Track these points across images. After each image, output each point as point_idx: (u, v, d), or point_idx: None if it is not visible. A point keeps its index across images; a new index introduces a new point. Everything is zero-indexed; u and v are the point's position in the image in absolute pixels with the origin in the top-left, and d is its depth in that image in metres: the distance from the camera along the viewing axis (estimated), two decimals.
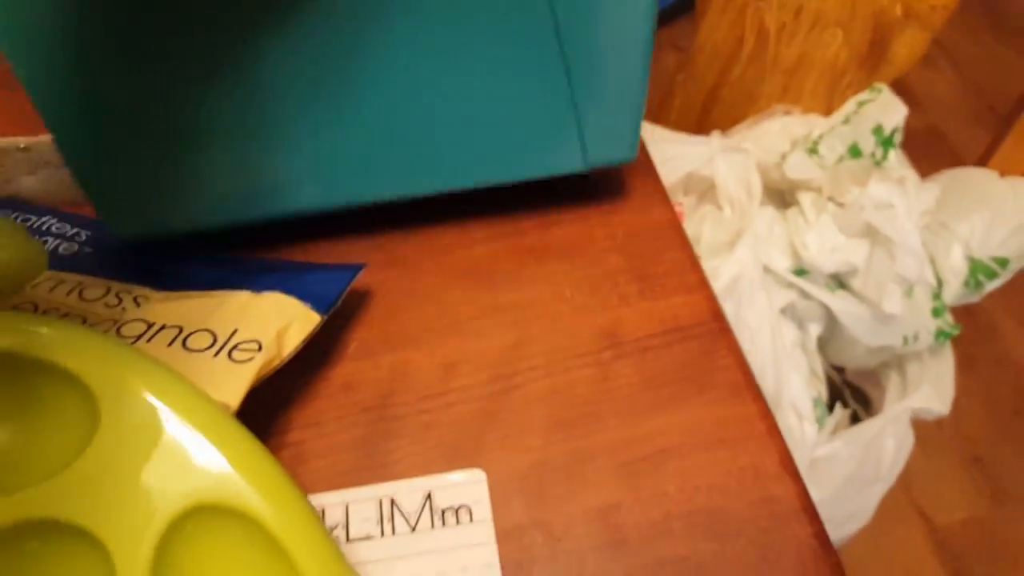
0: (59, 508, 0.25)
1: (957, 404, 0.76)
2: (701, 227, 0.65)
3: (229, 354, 0.32)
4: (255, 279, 0.36)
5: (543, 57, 0.36)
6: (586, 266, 0.43)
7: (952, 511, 1.19)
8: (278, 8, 0.33)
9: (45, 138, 0.42)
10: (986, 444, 1.27)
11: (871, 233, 0.65)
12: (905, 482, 1.19)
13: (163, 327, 0.33)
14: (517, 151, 0.41)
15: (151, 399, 0.26)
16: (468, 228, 0.44)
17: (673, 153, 0.66)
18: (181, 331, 0.32)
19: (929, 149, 1.64)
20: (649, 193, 0.47)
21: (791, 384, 0.59)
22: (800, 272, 0.64)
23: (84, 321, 0.33)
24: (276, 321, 0.34)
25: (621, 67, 0.38)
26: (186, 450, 0.25)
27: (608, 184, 0.47)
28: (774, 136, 0.75)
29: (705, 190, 0.69)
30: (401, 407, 0.37)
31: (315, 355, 0.38)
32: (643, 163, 0.48)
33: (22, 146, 0.41)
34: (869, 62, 0.79)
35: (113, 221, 0.38)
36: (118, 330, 0.32)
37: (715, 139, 0.71)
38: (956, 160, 1.64)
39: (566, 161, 0.41)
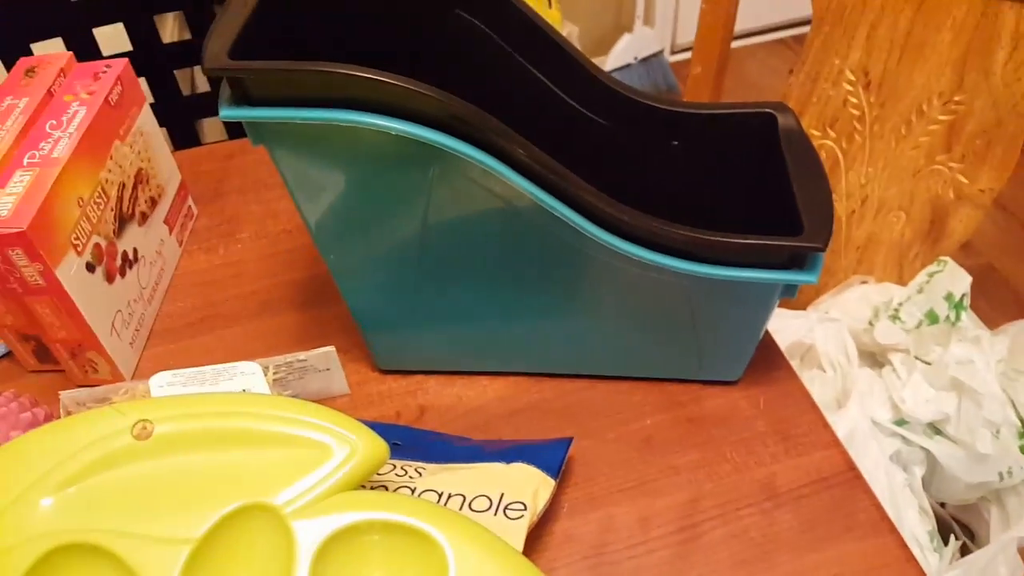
0: None
1: None
2: (811, 388, 0.74)
3: (505, 513, 0.42)
4: (498, 454, 0.47)
5: (682, 328, 0.50)
6: (739, 431, 0.52)
7: None
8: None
9: (315, 351, 0.53)
10: None
11: (958, 386, 0.73)
12: None
13: (450, 495, 0.43)
14: (655, 362, 0.54)
15: (476, 548, 0.36)
16: (637, 404, 0.54)
17: (778, 326, 0.76)
18: (464, 498, 0.43)
19: (986, 287, 1.72)
20: (777, 366, 0.56)
21: (909, 520, 0.66)
22: (901, 422, 0.72)
23: (385, 489, 0.44)
24: (528, 486, 0.44)
25: (738, 341, 0.51)
26: None
27: None
28: (856, 303, 0.85)
29: (804, 353, 0.79)
30: (614, 554, 0.46)
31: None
32: (767, 342, 0.58)
33: (301, 358, 0.53)
34: (931, 237, 0.89)
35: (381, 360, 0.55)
36: (419, 497, 0.42)
37: (812, 312, 0.82)
38: (1013, 292, 1.70)
39: (686, 373, 0.54)
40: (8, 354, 0.58)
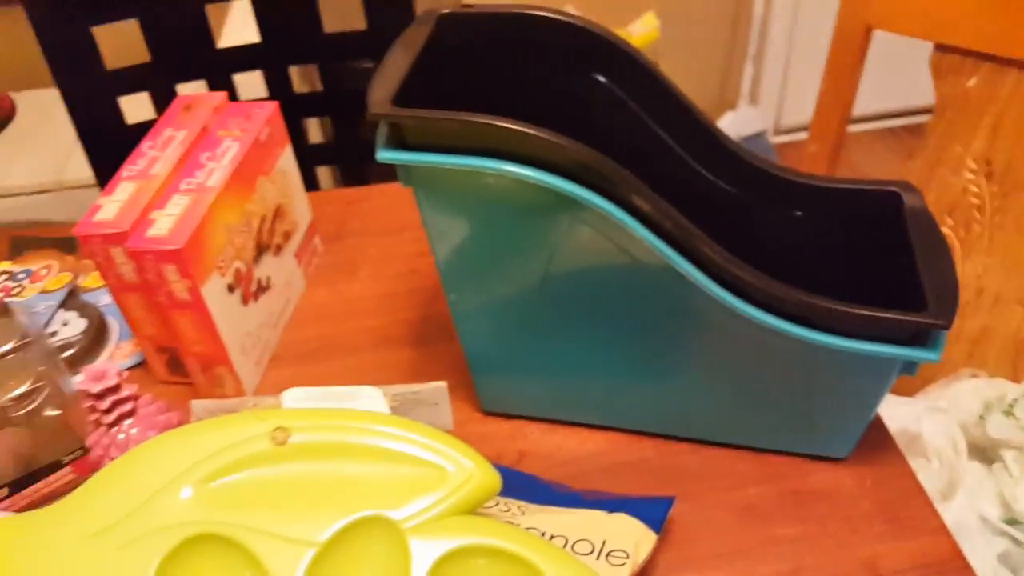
0: None
1: None
2: None
3: (607, 558, 0.43)
4: (599, 503, 0.48)
5: (796, 400, 0.51)
6: (844, 508, 0.52)
7: None
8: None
9: (428, 385, 0.56)
10: None
11: None
12: None
13: (553, 536, 0.45)
14: (764, 432, 0.55)
15: None
16: (740, 473, 0.55)
17: (885, 412, 0.75)
18: (567, 540, 0.44)
19: None
20: (885, 447, 0.57)
21: None
22: (1012, 522, 0.70)
23: None
24: (630, 536, 0.45)
25: (851, 416, 0.52)
26: None
27: None
28: (966, 396, 0.83)
29: (909, 442, 0.78)
30: None
31: None
32: (876, 423, 0.58)
33: (415, 390, 0.56)
34: None
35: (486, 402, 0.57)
36: None
37: (920, 400, 0.81)
38: None
39: (795, 446, 0.55)
40: (140, 364, 0.63)
